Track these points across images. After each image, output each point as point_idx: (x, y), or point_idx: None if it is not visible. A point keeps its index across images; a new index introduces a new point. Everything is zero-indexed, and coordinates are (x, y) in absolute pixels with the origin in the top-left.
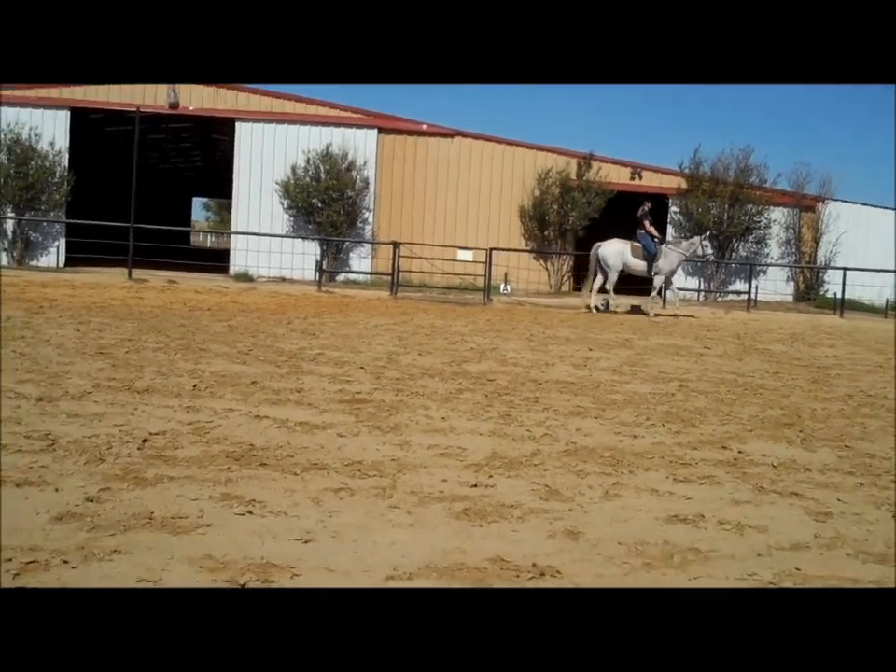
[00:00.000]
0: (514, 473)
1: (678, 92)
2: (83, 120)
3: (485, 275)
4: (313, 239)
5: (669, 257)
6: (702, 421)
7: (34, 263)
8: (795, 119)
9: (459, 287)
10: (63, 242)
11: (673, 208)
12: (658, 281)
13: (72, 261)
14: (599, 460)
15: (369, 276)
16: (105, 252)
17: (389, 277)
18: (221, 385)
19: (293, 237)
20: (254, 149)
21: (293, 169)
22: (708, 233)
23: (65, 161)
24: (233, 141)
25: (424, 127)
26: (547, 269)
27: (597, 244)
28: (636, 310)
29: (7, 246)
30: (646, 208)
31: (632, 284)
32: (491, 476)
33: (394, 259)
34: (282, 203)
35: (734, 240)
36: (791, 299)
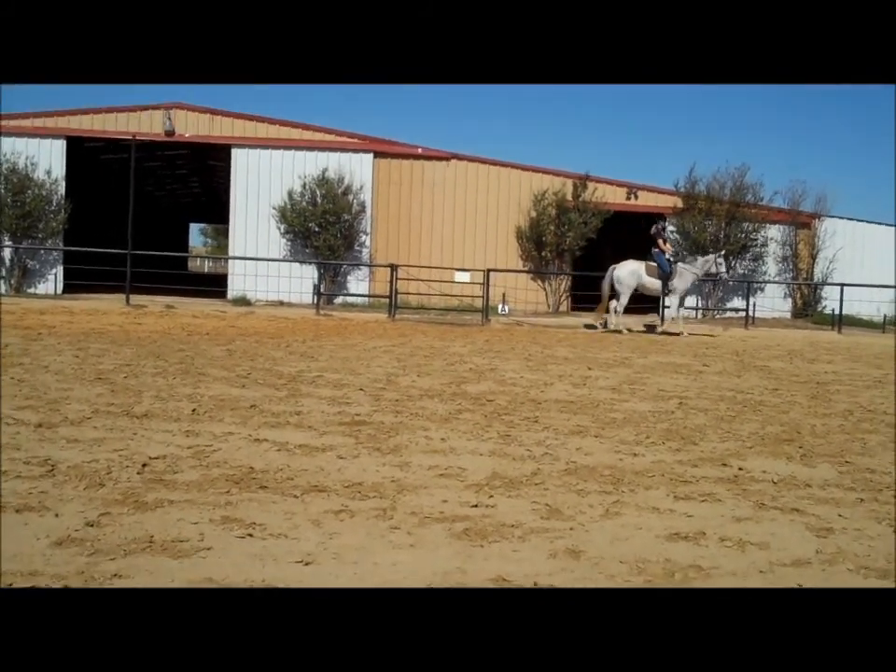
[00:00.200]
0: (515, 493)
1: (672, 111)
2: (79, 149)
3: (483, 296)
4: (310, 263)
5: (684, 276)
6: (702, 438)
7: (31, 291)
8: (791, 135)
9: (457, 309)
10: (60, 269)
11: (669, 227)
12: (674, 300)
13: (70, 288)
14: (600, 479)
15: (367, 299)
16: (103, 279)
17: (387, 300)
18: (220, 409)
19: (290, 261)
20: (250, 175)
21: (290, 194)
22: (724, 251)
23: (62, 189)
24: (230, 167)
25: (419, 150)
26: (545, 289)
27: (613, 265)
28: (650, 329)
29: (4, 274)
30: (660, 227)
31: (636, 303)
32: (491, 496)
33: (391, 281)
34: (279, 228)
35: (731, 258)
36: (788, 315)
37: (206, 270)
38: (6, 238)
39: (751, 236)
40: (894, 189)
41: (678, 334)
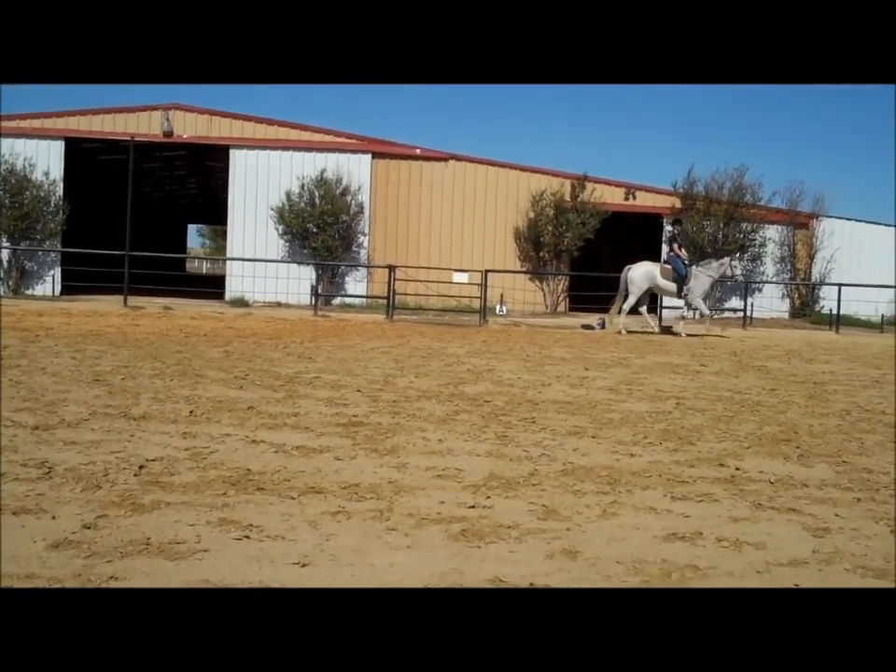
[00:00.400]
0: (512, 494)
1: (671, 110)
2: (77, 150)
3: (481, 297)
4: (308, 264)
5: (700, 278)
6: (699, 438)
7: (29, 292)
8: (790, 135)
9: (455, 310)
10: (58, 271)
11: (667, 228)
12: (701, 305)
13: (68, 290)
14: (597, 479)
15: (364, 300)
16: (101, 280)
17: (385, 301)
18: (218, 411)
19: (288, 262)
20: (248, 176)
21: (288, 195)
22: (738, 254)
23: (60, 190)
24: (228, 168)
25: (417, 151)
26: (542, 290)
27: (627, 266)
28: (666, 331)
29: (2, 276)
30: (675, 230)
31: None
32: (489, 497)
33: (389, 282)
34: (277, 229)
35: (710, 259)
36: (786, 315)
37: (204, 271)
38: (4, 239)
39: (749, 236)
40: (894, 190)
41: (702, 335)
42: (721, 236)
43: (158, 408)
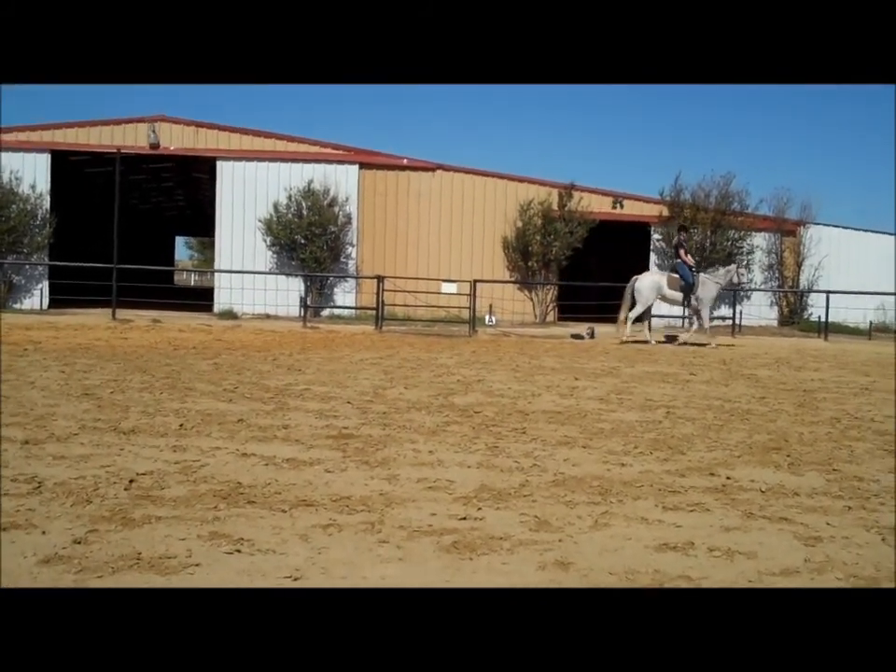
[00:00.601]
0: (503, 505)
1: (658, 118)
2: (64, 163)
3: (470, 307)
4: (296, 275)
5: (707, 286)
6: (689, 448)
7: (17, 306)
8: (777, 139)
9: (444, 320)
10: (46, 284)
11: (655, 236)
12: (705, 313)
13: (56, 303)
14: (588, 490)
15: (353, 311)
16: (89, 293)
17: (374, 311)
18: (207, 424)
19: (277, 274)
20: (235, 187)
21: (275, 206)
22: (745, 261)
23: (47, 203)
24: (215, 179)
25: (405, 161)
26: (531, 299)
27: (634, 277)
28: (670, 339)
29: None
30: (682, 237)
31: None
32: (480, 508)
33: (378, 293)
34: (265, 241)
35: (717, 266)
36: (775, 323)
37: (193, 283)
38: None
39: (737, 244)
40: (895, 198)
41: (706, 345)
42: (708, 244)
43: (147, 421)
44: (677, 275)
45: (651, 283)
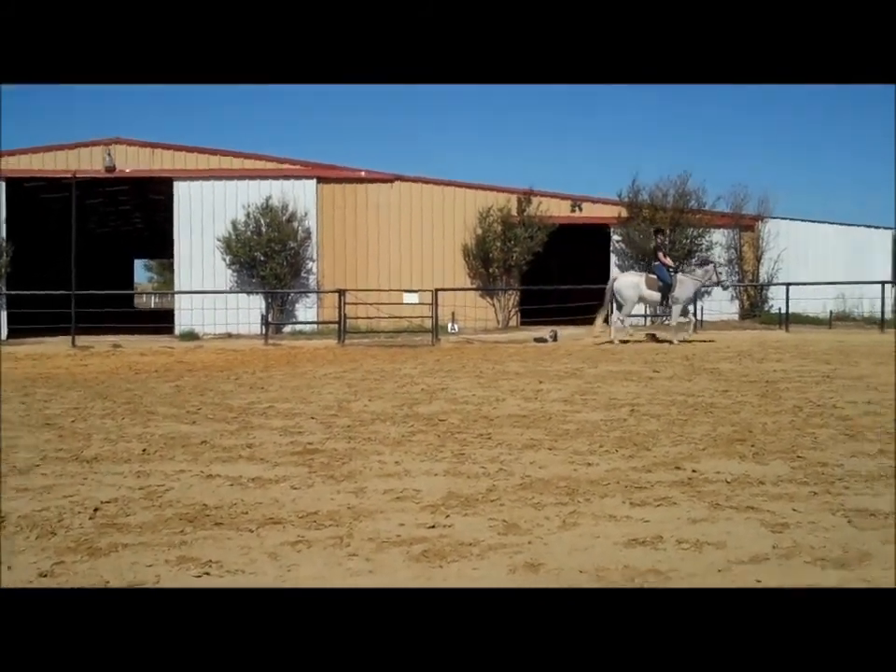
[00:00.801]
0: (471, 511)
1: (618, 118)
2: (18, 190)
3: (432, 316)
4: (257, 293)
5: (685, 285)
6: (655, 444)
7: None
8: (731, 132)
9: (407, 330)
10: (3, 314)
11: (615, 237)
12: (676, 310)
13: (14, 333)
14: (555, 491)
15: (316, 326)
16: (48, 321)
17: (336, 325)
18: (171, 447)
19: (237, 292)
20: (193, 207)
21: (234, 224)
22: (722, 260)
23: (3, 232)
24: (172, 200)
25: (363, 174)
26: (494, 305)
27: (613, 276)
28: (651, 338)
29: None
30: (659, 239)
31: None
32: (448, 516)
33: (340, 306)
34: (224, 259)
35: (677, 264)
36: (736, 317)
37: (153, 306)
38: None
39: (696, 241)
40: (894, 193)
41: (689, 341)
42: (667, 242)
43: (110, 448)
44: (654, 276)
45: (630, 283)
